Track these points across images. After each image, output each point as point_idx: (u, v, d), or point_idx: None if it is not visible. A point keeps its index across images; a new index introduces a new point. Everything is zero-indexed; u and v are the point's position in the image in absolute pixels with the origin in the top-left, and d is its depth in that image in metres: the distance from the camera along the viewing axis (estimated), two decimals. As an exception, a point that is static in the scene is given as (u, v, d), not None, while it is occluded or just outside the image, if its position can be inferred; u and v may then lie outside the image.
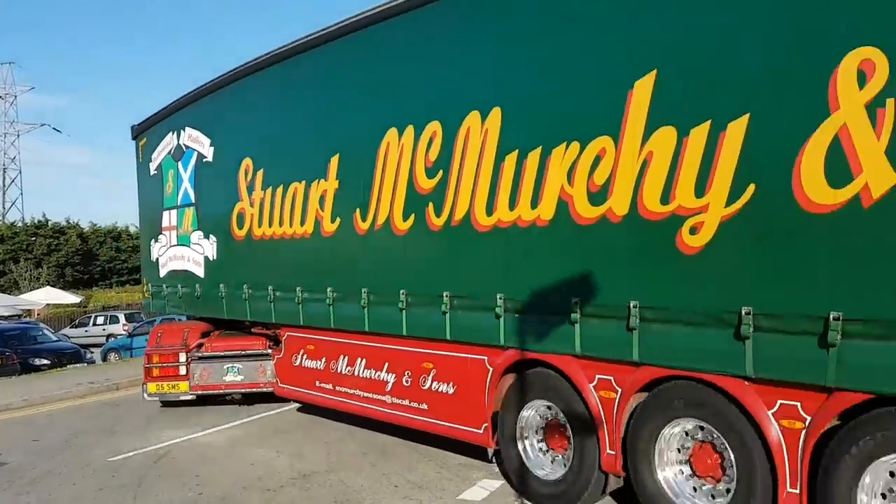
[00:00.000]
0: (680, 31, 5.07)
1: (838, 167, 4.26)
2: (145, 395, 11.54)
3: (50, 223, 62.06)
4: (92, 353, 25.12)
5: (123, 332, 28.59)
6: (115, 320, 33.94)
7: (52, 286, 50.00)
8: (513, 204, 6.27)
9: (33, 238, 58.82)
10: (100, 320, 34.94)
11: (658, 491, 5.51)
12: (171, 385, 11.30)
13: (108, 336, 31.54)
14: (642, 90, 5.26)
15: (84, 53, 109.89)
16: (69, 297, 46.65)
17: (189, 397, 11.32)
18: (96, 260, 62.34)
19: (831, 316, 4.30)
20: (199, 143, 11.24)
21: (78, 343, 26.79)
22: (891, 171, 4.06)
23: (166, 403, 12.08)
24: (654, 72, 5.19)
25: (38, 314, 41.41)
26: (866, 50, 4.13)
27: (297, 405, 11.10)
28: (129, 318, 32.94)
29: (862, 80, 4.15)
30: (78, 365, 21.74)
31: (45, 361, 21.60)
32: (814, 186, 4.36)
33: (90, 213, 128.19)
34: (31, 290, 48.42)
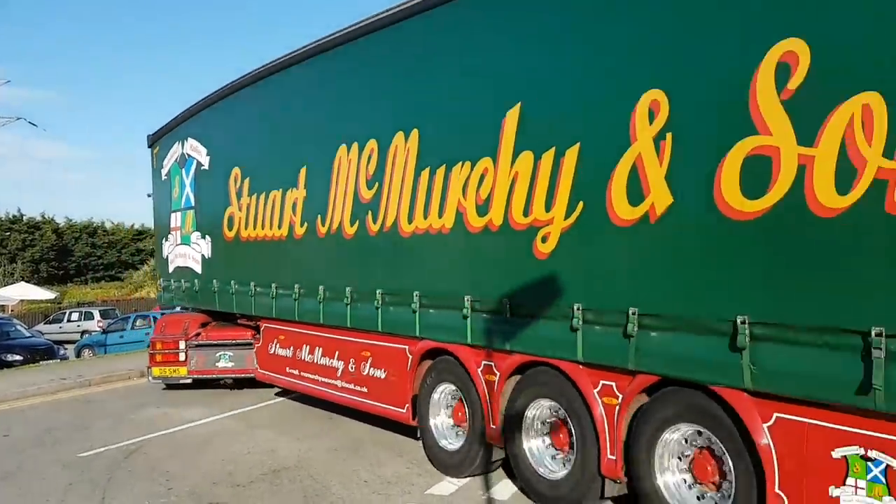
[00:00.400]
0: (533, 69, 6.06)
1: (636, 188, 5.19)
2: (150, 378, 12.91)
3: (25, 218, 61.40)
4: (66, 349, 24.90)
5: (98, 329, 28.41)
6: (89, 317, 33.79)
7: (26, 282, 49.79)
8: (426, 213, 7.28)
9: (7, 233, 58.71)
10: (74, 317, 34.79)
11: (524, 458, 6.48)
12: (173, 370, 12.60)
13: (83, 333, 31.18)
14: (511, 119, 6.23)
15: (63, 48, 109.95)
16: (44, 293, 46.38)
17: (188, 381, 12.61)
18: (71, 256, 61.93)
19: (630, 311, 5.24)
20: (198, 152, 12.48)
21: (52, 339, 26.65)
22: (668, 193, 4.98)
23: (170, 386, 13.34)
24: (519, 104, 6.17)
25: (11, 310, 41.16)
26: (654, 92, 5.06)
27: (274, 401, 11.93)
28: (103, 315, 32.87)
29: (651, 116, 5.08)
30: (51, 361, 21.61)
31: (18, 357, 21.37)
32: (620, 204, 5.30)
33: (67, 208, 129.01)
34: (5, 285, 48.03)
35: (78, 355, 24.67)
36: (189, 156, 12.83)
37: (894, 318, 3.88)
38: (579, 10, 5.70)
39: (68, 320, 34.65)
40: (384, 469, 7.73)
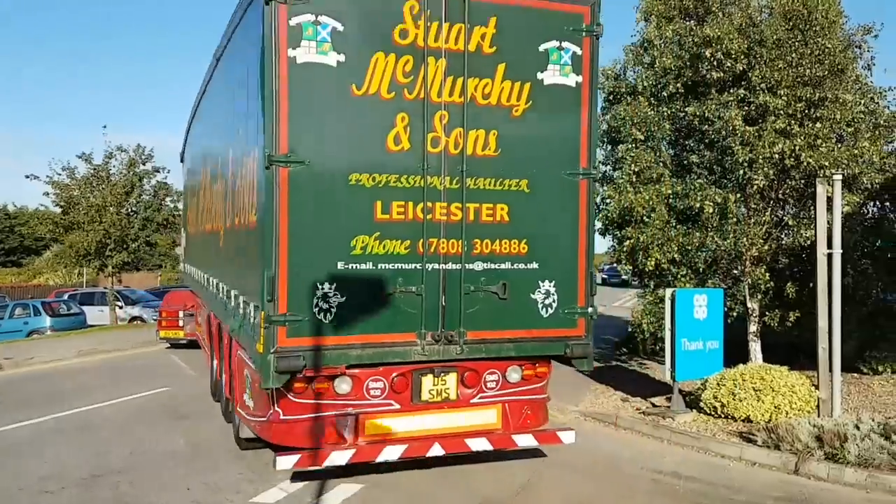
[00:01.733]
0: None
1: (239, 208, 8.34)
2: (158, 337, 17.27)
3: (-81, 200, 54.82)
4: None
5: None
6: None
7: (-79, 267, 45.96)
8: (210, 219, 10.66)
9: None
10: (-41, 304, 31.03)
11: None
12: (174, 332, 16.91)
13: None
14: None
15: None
16: (-62, 279, 41.55)
17: (184, 341, 16.74)
18: (-30, 240, 55.81)
19: (232, 291, 8.41)
20: (186, 166, 16.60)
21: (-67, 329, 24.92)
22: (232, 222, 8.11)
23: (174, 346, 17.50)
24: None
25: None
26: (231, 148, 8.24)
27: (130, 398, 11.73)
28: None
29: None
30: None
31: None
32: (217, 221, 8.46)
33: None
34: None
35: None
36: (186, 169, 17.01)
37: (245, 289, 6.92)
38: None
39: None
40: (215, 475, 7.31)
